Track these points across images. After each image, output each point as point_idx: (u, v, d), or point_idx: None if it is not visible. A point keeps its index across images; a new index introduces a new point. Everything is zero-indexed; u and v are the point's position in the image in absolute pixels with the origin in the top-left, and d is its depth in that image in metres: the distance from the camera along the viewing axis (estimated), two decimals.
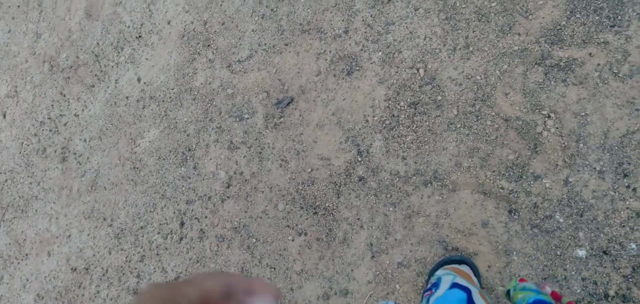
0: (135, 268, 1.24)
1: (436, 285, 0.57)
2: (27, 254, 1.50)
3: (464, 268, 0.75)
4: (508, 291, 0.55)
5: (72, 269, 1.37)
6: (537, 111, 0.82)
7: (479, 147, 0.86)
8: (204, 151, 1.20)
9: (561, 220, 0.77)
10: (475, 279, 0.62)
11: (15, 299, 1.47)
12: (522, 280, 0.54)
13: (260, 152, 1.11)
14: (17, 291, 1.48)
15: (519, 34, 0.85)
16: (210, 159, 1.19)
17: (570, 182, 0.77)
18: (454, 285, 0.54)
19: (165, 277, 1.17)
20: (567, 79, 0.80)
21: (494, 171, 0.84)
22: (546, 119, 0.80)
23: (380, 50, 0.99)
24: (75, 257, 1.37)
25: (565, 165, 0.78)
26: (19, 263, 1.51)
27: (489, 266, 0.81)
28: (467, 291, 0.52)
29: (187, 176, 1.21)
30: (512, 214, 0.81)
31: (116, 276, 1.27)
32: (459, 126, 0.89)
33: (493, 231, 0.82)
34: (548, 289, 0.49)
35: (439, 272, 0.62)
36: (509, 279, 0.79)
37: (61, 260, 1.40)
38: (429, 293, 0.56)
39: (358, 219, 0.95)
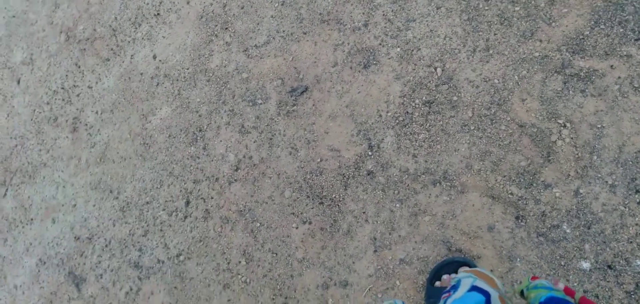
0: (138, 242, 1.30)
1: (455, 287, 0.57)
2: (32, 219, 1.58)
3: (486, 271, 0.76)
4: (521, 291, 0.58)
5: (75, 237, 1.44)
6: (553, 119, 0.84)
7: (491, 151, 0.89)
8: (215, 132, 1.26)
9: (568, 231, 0.79)
10: (498, 282, 0.63)
11: (18, 262, 1.55)
12: (534, 278, 0.57)
13: (270, 139, 1.16)
14: (20, 254, 1.56)
15: (541, 41, 0.88)
16: (221, 141, 1.24)
17: (581, 193, 0.80)
18: (473, 288, 0.54)
19: (167, 253, 1.23)
20: (586, 90, 0.82)
21: (504, 176, 0.87)
22: (562, 128, 0.83)
23: (399, 46, 1.03)
24: (79, 226, 1.44)
25: (577, 176, 0.81)
26: (23, 227, 1.59)
27: (491, 270, 0.84)
28: (486, 294, 0.52)
29: (196, 156, 1.27)
30: (519, 221, 0.84)
31: (119, 248, 1.33)
32: (472, 128, 0.92)
33: (498, 235, 0.85)
34: (561, 286, 0.50)
35: (460, 274, 0.63)
36: (511, 285, 0.82)
37: (65, 228, 1.48)
38: (447, 295, 0.57)
39: (363, 212, 0.99)
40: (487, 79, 0.92)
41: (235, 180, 1.18)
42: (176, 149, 1.32)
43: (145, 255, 1.27)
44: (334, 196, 1.03)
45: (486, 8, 0.94)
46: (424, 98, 0.98)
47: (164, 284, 1.21)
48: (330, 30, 1.13)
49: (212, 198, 1.21)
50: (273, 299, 1.04)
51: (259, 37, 1.25)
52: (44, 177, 1.61)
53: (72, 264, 1.42)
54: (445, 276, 0.87)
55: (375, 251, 0.96)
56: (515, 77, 0.89)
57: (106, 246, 1.36)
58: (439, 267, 0.87)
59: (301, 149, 1.10)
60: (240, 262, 1.11)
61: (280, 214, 1.09)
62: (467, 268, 0.67)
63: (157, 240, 1.26)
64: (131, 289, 1.27)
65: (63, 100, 1.65)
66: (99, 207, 1.43)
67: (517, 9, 0.92)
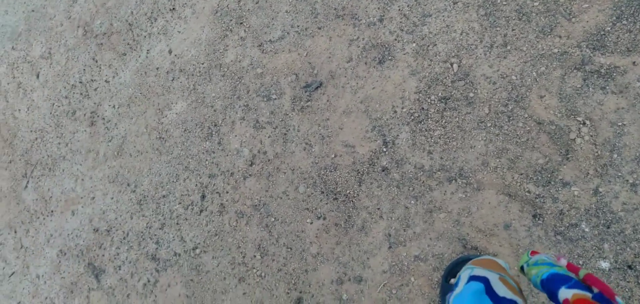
0: (155, 235, 1.38)
1: (456, 284, 0.59)
2: (52, 211, 1.69)
3: (488, 256, 0.77)
4: (521, 267, 0.57)
5: (94, 229, 1.54)
6: (572, 116, 0.87)
7: (508, 149, 0.92)
8: (230, 127, 1.32)
9: (587, 230, 0.82)
10: (502, 263, 0.63)
11: (39, 252, 1.67)
12: (534, 253, 0.56)
13: (285, 134, 1.22)
14: (41, 245, 1.67)
15: (560, 37, 0.90)
16: (236, 136, 1.31)
17: (600, 192, 0.82)
18: (471, 278, 0.56)
19: (183, 246, 1.30)
20: (607, 87, 0.84)
21: (521, 174, 0.90)
22: (581, 125, 0.85)
23: (414, 42, 1.07)
24: (98, 218, 1.54)
25: (596, 174, 0.83)
26: (44, 218, 1.71)
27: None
28: (484, 280, 0.54)
29: (212, 151, 1.34)
30: (537, 219, 0.87)
31: (136, 240, 1.42)
32: (489, 125, 0.95)
33: (515, 234, 0.88)
34: (563, 262, 0.50)
35: (461, 271, 0.64)
36: (527, 284, 0.85)
37: (84, 220, 1.58)
38: (449, 293, 0.59)
39: (378, 208, 1.04)
40: (505, 76, 0.95)
41: (250, 175, 1.25)
42: (192, 144, 1.39)
43: (162, 248, 1.35)
44: (348, 191, 1.08)
45: (504, 3, 0.97)
46: (439, 94, 1.02)
47: (181, 276, 1.29)
48: (345, 25, 1.17)
49: (227, 193, 1.27)
50: (288, 293, 1.11)
51: (273, 32, 1.31)
52: (64, 170, 1.71)
53: (91, 256, 1.52)
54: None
55: (389, 247, 1.00)
56: (534, 73, 0.91)
57: (124, 238, 1.46)
58: (454, 264, 0.91)
59: (315, 145, 1.16)
60: (255, 256, 1.18)
61: (294, 209, 1.15)
62: (470, 262, 0.68)
63: (173, 233, 1.35)
64: (149, 281, 1.35)
65: (81, 94, 1.75)
66: (116, 200, 1.52)
67: (536, 4, 0.94)
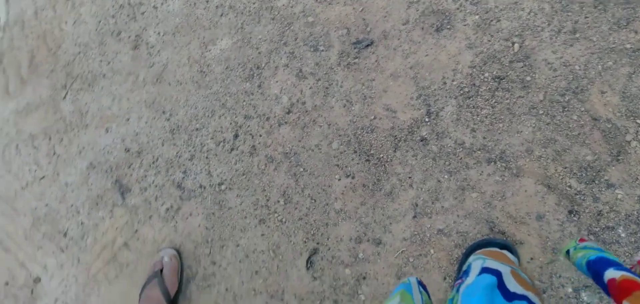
0: (184, 165, 1.63)
1: (466, 273, 0.66)
2: (87, 125, 2.01)
3: (497, 249, 0.89)
4: (567, 251, 0.64)
5: (125, 149, 1.82)
6: (631, 117, 0.96)
7: (557, 140, 1.03)
8: (272, 72, 1.51)
9: (623, 235, 0.92)
10: (511, 256, 0.74)
11: (71, 162, 1.99)
12: (582, 240, 0.64)
13: (327, 88, 1.39)
14: (73, 155, 2.00)
15: (636, 32, 0.98)
16: (277, 81, 1.50)
17: None
18: (483, 270, 0.63)
19: (210, 180, 1.54)
20: None
21: (565, 167, 1.01)
22: (639, 128, 0.94)
23: (477, 14, 1.18)
24: (130, 139, 1.82)
25: None
26: (78, 131, 2.03)
27: (531, 259, 1.00)
28: (497, 273, 0.61)
29: (251, 92, 1.54)
30: (572, 215, 0.98)
31: (165, 166, 1.68)
32: (541, 112, 1.06)
33: (547, 226, 1.00)
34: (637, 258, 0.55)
35: (470, 259, 0.72)
36: (549, 277, 0.97)
37: (117, 138, 1.87)
38: (459, 281, 0.66)
39: (409, 177, 1.19)
40: (568, 64, 1.04)
41: (285, 122, 1.44)
42: (232, 82, 1.61)
43: (189, 178, 1.60)
44: (381, 155, 1.24)
45: None
46: (494, 73, 1.13)
47: (203, 208, 1.53)
48: None
49: (260, 136, 1.48)
50: (305, 242, 1.30)
51: None
52: (102, 87, 2.02)
53: (119, 173, 1.81)
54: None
55: (414, 216, 1.16)
56: (599, 66, 1.00)
57: (153, 162, 1.72)
58: (477, 244, 1.05)
59: (356, 104, 1.32)
60: (278, 201, 1.38)
61: (324, 163, 1.33)
62: (480, 251, 0.76)
63: (201, 166, 1.58)
64: (172, 207, 1.61)
65: (128, 16, 2.03)
66: (150, 125, 1.79)
67: None
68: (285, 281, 1.30)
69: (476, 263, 0.66)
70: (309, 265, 1.28)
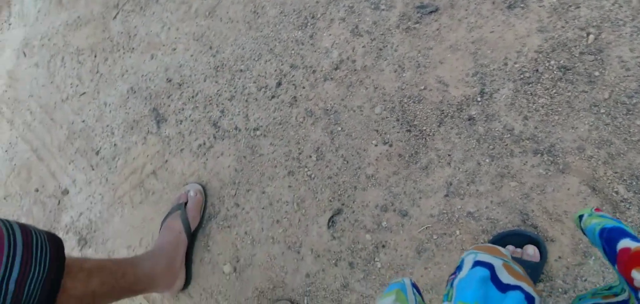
0: (222, 104, 1.94)
1: (459, 267, 0.77)
2: (133, 49, 2.40)
3: (488, 245, 1.03)
4: (580, 216, 0.71)
5: (167, 79, 2.18)
6: None
7: (613, 143, 1.16)
8: (327, 24, 1.76)
9: None
10: (503, 250, 0.88)
11: (112, 83, 2.40)
12: (598, 210, 0.70)
13: (380, 49, 1.60)
14: (116, 76, 2.41)
15: None
16: (330, 35, 1.74)
17: None
18: (476, 263, 0.73)
19: (246, 123, 1.83)
20: None
21: (616, 172, 1.14)
22: None
23: None
24: (173, 70, 2.17)
25: None
26: (124, 53, 2.43)
27: (559, 257, 1.15)
28: (489, 266, 0.72)
29: (301, 42, 1.80)
30: None
31: (203, 102, 2.00)
32: (602, 111, 1.19)
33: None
34: None
35: (464, 254, 0.82)
36: (574, 279, 1.12)
37: (160, 67, 2.23)
38: (453, 276, 0.76)
39: (449, 155, 1.37)
40: None
41: (331, 78, 1.68)
42: (283, 28, 1.88)
43: (226, 118, 1.90)
44: (424, 128, 1.44)
45: None
46: (561, 62, 1.28)
47: (235, 150, 1.83)
48: None
49: (303, 88, 1.73)
50: (330, 201, 1.54)
51: None
52: (154, 13, 2.39)
53: (158, 102, 2.17)
54: (510, 247, 1.21)
55: (446, 195, 1.35)
56: None
57: (193, 97, 2.05)
58: (506, 234, 1.23)
59: (408, 70, 1.52)
60: (310, 156, 1.63)
61: (364, 126, 1.55)
62: (473, 247, 0.91)
63: (240, 108, 1.88)
64: (204, 144, 1.93)
65: None
66: (195, 58, 2.12)
67: None
68: (305, 235, 1.55)
69: (469, 257, 0.76)
70: (330, 224, 1.52)
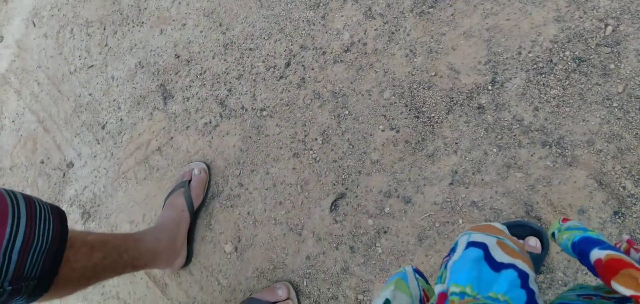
0: (230, 82, 2.02)
1: (453, 249, 0.79)
2: (143, 23, 2.49)
3: (485, 223, 1.07)
4: (552, 234, 0.78)
5: (175, 55, 2.26)
6: None
7: (624, 137, 1.20)
8: (340, 4, 1.82)
9: None
10: (498, 226, 0.91)
11: (121, 57, 2.50)
12: (565, 220, 0.76)
13: (392, 32, 1.66)
14: (124, 50, 2.51)
15: None
16: (342, 16, 1.80)
17: None
18: (469, 244, 0.76)
19: (253, 103, 1.90)
20: None
21: (624, 167, 1.19)
22: None
23: None
24: (182, 46, 2.26)
25: None
26: (133, 26, 2.53)
27: (561, 250, 1.20)
28: (483, 246, 0.74)
29: (313, 22, 1.86)
30: (616, 216, 1.16)
31: (211, 80, 2.08)
32: (615, 105, 1.23)
33: (587, 222, 1.19)
34: (625, 237, 0.65)
35: (459, 236, 0.84)
36: (575, 272, 1.17)
37: (169, 42, 2.32)
38: (447, 258, 0.79)
39: (456, 143, 1.43)
40: None
41: (341, 61, 1.74)
42: (295, 8, 1.94)
43: (233, 97, 1.98)
44: (432, 115, 1.49)
45: None
46: (576, 53, 1.32)
47: (241, 129, 1.91)
48: None
49: (312, 69, 1.80)
50: (334, 184, 1.61)
51: None
52: None
53: (165, 78, 2.26)
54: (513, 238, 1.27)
55: (451, 183, 1.40)
56: None
57: (200, 74, 2.14)
58: (509, 225, 1.28)
59: (419, 56, 1.57)
60: (316, 139, 1.70)
61: (371, 111, 1.61)
62: (470, 227, 0.93)
63: (247, 87, 1.95)
64: (210, 122, 2.01)
65: None
66: (205, 35, 2.20)
67: None
68: (307, 218, 1.63)
69: (462, 238, 0.78)
70: (333, 207, 1.59)
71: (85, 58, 2.71)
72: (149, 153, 2.18)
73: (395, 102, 1.59)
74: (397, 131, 1.55)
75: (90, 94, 2.57)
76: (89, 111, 2.53)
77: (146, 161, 2.18)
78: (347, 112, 1.68)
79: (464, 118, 1.45)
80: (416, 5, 1.65)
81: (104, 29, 2.71)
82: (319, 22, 1.87)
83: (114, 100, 2.46)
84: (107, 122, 2.42)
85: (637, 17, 1.29)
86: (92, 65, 2.65)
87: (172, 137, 2.13)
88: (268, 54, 1.97)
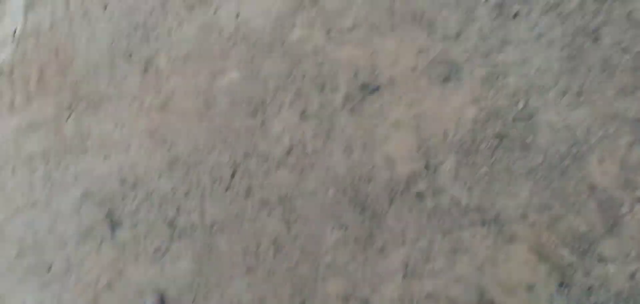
0: (178, 201, 2.09)
1: None
2: (86, 150, 2.58)
3: None
4: None
5: (121, 180, 2.34)
6: (629, 189, 1.23)
7: (553, 206, 1.32)
8: (277, 110, 1.95)
9: None
10: None
11: (66, 188, 2.55)
12: None
13: (329, 131, 1.79)
14: (69, 182, 2.57)
15: None
16: (280, 120, 1.93)
17: (636, 278, 1.16)
18: None
19: (202, 220, 1.97)
20: None
21: (559, 236, 1.28)
22: (635, 203, 1.21)
23: (485, 67, 1.53)
24: (127, 169, 2.34)
25: (637, 258, 1.17)
26: (77, 155, 2.61)
27: None
28: None
29: (253, 130, 1.99)
30: (562, 288, 1.24)
31: (158, 201, 2.15)
32: (539, 176, 1.36)
33: (536, 298, 1.27)
34: None
35: None
36: None
37: (114, 167, 2.40)
38: None
39: (402, 233, 1.52)
40: (570, 128, 1.35)
41: (283, 164, 1.85)
42: (236, 117, 2.07)
43: (182, 216, 2.05)
44: (376, 208, 1.59)
45: (592, 49, 1.37)
46: (496, 130, 1.46)
47: (192, 251, 1.95)
48: (420, 32, 1.69)
49: (257, 177, 1.90)
50: (291, 296, 1.65)
51: (345, 20, 1.90)
52: (107, 111, 2.59)
53: (112, 206, 2.31)
54: None
55: (404, 276, 1.47)
56: (600, 133, 1.30)
57: (147, 197, 2.20)
58: None
59: (356, 151, 1.69)
60: (268, 250, 1.76)
61: (319, 211, 1.70)
62: None
63: (195, 204, 2.02)
64: (160, 247, 2.05)
65: (141, 38, 2.63)
66: (149, 156, 2.29)
67: (626, 58, 1.32)
68: None
69: None
70: None
71: (29, 195, 2.74)
72: (99, 291, 2.18)
73: (340, 200, 1.68)
74: (346, 229, 1.63)
75: (35, 234, 2.58)
76: (34, 254, 2.52)
77: (95, 301, 2.17)
78: (296, 216, 1.76)
79: (407, 207, 1.54)
80: (346, 102, 1.79)
81: (48, 162, 2.77)
82: (260, 129, 1.99)
83: (60, 237, 2.48)
84: (53, 264, 2.41)
85: (542, 91, 1.44)
86: (36, 202, 2.68)
87: (121, 271, 2.14)
88: (213, 166, 2.07)
